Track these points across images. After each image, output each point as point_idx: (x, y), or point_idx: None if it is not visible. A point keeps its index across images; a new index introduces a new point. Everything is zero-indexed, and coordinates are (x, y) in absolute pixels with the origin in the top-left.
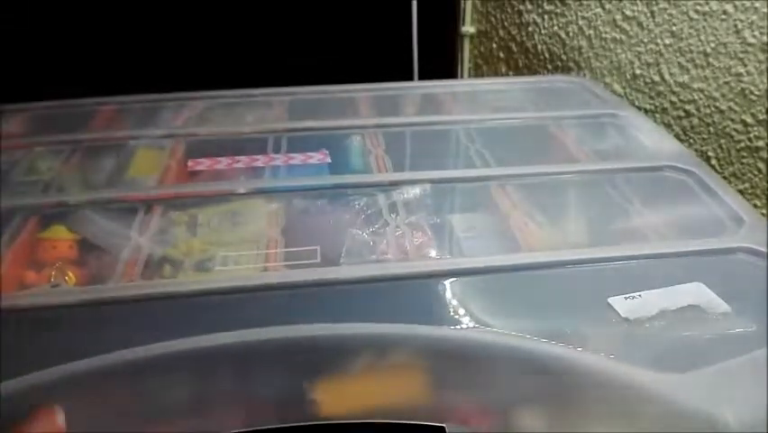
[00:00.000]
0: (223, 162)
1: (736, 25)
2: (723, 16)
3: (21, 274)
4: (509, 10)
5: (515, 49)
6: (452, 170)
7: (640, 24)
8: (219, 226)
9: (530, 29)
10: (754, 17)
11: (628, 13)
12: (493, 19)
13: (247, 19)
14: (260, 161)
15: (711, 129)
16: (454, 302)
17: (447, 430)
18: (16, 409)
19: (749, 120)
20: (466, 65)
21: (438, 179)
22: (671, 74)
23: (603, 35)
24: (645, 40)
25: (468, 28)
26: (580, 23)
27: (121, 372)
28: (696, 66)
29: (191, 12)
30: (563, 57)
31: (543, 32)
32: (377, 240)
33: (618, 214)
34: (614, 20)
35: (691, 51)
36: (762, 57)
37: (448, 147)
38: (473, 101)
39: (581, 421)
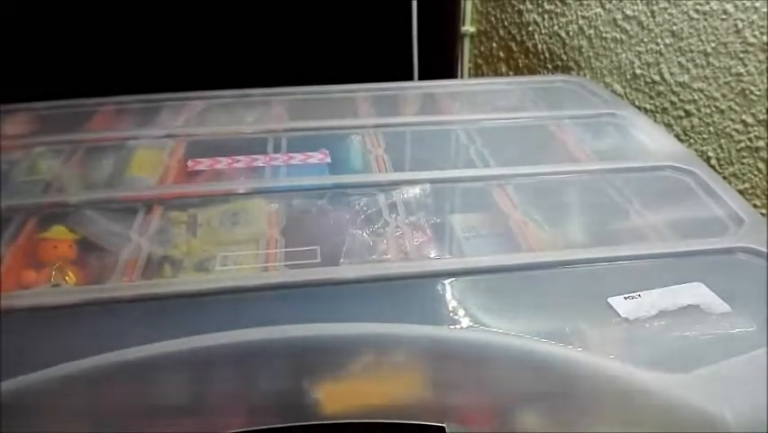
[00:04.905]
0: (223, 162)
1: (736, 25)
2: (723, 16)
3: (21, 274)
4: (509, 10)
5: (515, 48)
6: (452, 170)
7: (640, 24)
8: (219, 226)
9: (530, 29)
10: (755, 17)
11: (628, 12)
12: (493, 19)
13: (247, 19)
14: (260, 161)
15: (711, 129)
16: (454, 302)
17: (447, 430)
18: (16, 409)
19: (749, 120)
20: (466, 65)
21: (438, 179)
22: (671, 74)
23: (603, 35)
24: (646, 39)
25: (468, 28)
26: (581, 22)
27: (121, 372)
28: (696, 66)
29: (191, 12)
30: (563, 57)
31: (543, 31)
32: (377, 240)
33: (618, 214)
34: (614, 20)
35: (692, 51)
36: (762, 57)
37: (448, 147)
38: (473, 101)
39: (581, 421)
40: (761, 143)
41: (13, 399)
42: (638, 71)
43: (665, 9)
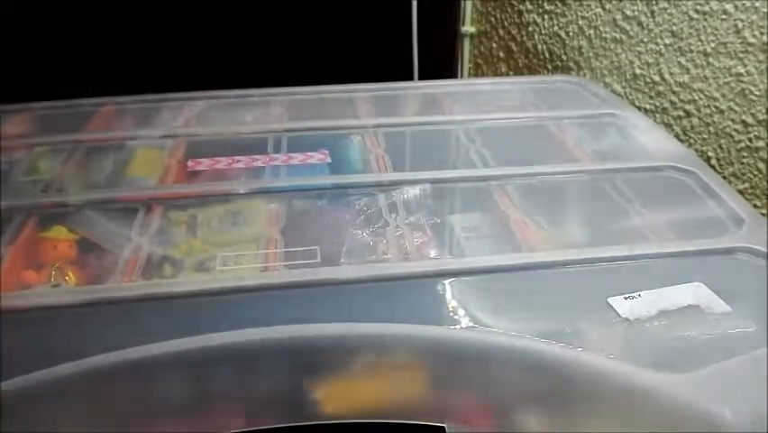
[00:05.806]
0: (223, 162)
1: (736, 25)
2: (723, 16)
3: (21, 274)
4: (509, 10)
5: (515, 49)
6: (452, 170)
7: (640, 24)
8: (219, 226)
9: (530, 29)
10: (755, 17)
11: (628, 12)
12: (493, 19)
13: (247, 19)
14: (260, 161)
15: (711, 129)
16: (454, 302)
17: (447, 430)
18: (16, 409)
19: (749, 120)
20: (466, 65)
21: (438, 179)
22: (671, 74)
23: (603, 35)
24: (645, 40)
25: (468, 28)
26: (581, 22)
27: (121, 372)
28: (696, 66)
29: (191, 12)
30: (563, 57)
31: (543, 31)
32: (377, 240)
33: (618, 214)
34: (614, 20)
35: (691, 51)
36: (762, 57)
37: (448, 147)
38: (473, 101)
39: (581, 421)
40: (761, 143)
41: (13, 399)
42: (638, 71)
43: (665, 9)
